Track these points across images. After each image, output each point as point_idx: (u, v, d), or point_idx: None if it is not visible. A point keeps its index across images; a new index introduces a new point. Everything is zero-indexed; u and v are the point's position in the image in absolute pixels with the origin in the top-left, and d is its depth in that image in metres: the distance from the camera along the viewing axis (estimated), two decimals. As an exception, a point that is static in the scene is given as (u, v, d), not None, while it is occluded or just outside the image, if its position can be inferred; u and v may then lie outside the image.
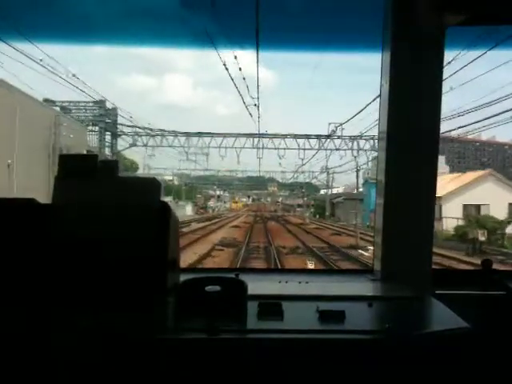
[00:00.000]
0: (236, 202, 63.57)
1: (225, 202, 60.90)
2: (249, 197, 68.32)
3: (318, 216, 43.10)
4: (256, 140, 31.63)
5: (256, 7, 2.31)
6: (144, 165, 36.11)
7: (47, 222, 1.42)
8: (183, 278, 1.52)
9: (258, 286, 1.67)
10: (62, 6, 2.42)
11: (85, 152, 21.97)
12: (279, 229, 30.34)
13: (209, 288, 1.44)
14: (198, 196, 51.23)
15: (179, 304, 1.43)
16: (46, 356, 1.24)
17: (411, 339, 1.37)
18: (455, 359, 1.37)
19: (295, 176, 42.86)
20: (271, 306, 1.47)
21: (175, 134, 32.35)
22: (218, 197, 58.34)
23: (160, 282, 1.43)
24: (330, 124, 31.36)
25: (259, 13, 2.34)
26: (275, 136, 31.85)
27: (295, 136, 31.74)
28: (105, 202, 1.44)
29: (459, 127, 22.44)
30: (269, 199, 69.25)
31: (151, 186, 1.50)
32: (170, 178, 42.24)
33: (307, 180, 43.34)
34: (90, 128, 30.02)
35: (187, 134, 32.11)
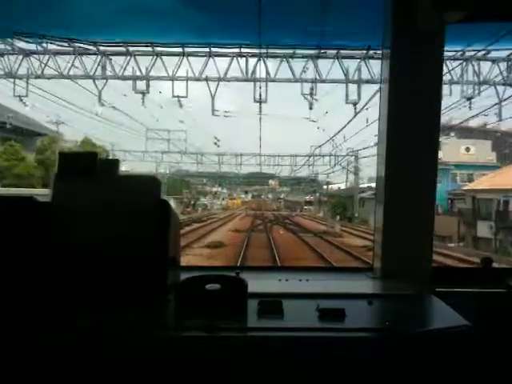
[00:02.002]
0: (233, 199, 59.59)
1: (223, 199, 56.78)
2: (246, 192, 64.56)
3: (338, 217, 32.16)
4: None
5: (259, 4, 2.31)
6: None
7: (47, 220, 1.41)
8: (183, 276, 1.52)
9: (258, 284, 1.67)
10: (63, 3, 2.42)
11: None
12: (295, 247, 18.22)
13: (209, 286, 1.44)
14: (186, 191, 42.18)
15: (179, 302, 1.43)
16: (46, 355, 1.24)
17: (411, 337, 1.37)
18: (455, 357, 1.37)
19: (310, 161, 32.64)
20: (271, 303, 1.47)
21: (75, 49, 10.90)
22: (215, 193, 54.40)
23: (160, 280, 1.43)
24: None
25: (261, 9, 2.34)
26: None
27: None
28: (104, 200, 1.44)
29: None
30: (270, 196, 66.54)
31: (151, 183, 1.50)
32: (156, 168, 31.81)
33: (328, 167, 33.00)
34: None
35: (109, 55, 11.56)
